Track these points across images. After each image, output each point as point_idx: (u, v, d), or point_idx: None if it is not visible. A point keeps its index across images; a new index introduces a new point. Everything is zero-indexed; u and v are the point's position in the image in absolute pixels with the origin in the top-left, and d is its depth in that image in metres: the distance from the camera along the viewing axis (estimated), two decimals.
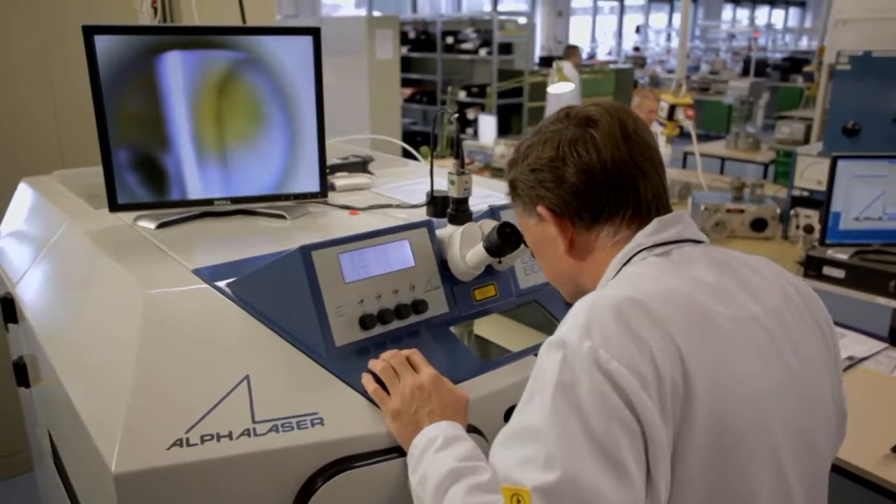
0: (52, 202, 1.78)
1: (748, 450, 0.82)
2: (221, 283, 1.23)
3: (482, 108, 8.18)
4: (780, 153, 5.97)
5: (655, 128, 4.25)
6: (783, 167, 5.72)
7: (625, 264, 0.94)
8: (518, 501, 0.76)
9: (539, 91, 7.33)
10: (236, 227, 1.56)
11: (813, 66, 7.92)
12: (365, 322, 1.15)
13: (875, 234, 2.63)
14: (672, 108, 3.48)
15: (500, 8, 15.51)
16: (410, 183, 1.92)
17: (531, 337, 1.33)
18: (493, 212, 1.38)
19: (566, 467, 0.74)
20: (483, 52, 8.91)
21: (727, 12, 22.18)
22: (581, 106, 1.00)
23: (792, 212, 3.10)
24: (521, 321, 1.41)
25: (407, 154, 2.68)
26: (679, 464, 0.79)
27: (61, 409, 1.21)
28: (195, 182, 1.53)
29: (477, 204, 1.39)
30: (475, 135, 7.08)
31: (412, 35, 9.74)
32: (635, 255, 0.94)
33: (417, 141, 8.85)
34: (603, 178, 0.94)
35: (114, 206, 1.50)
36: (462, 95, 8.66)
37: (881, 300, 2.51)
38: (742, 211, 3.12)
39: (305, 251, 1.13)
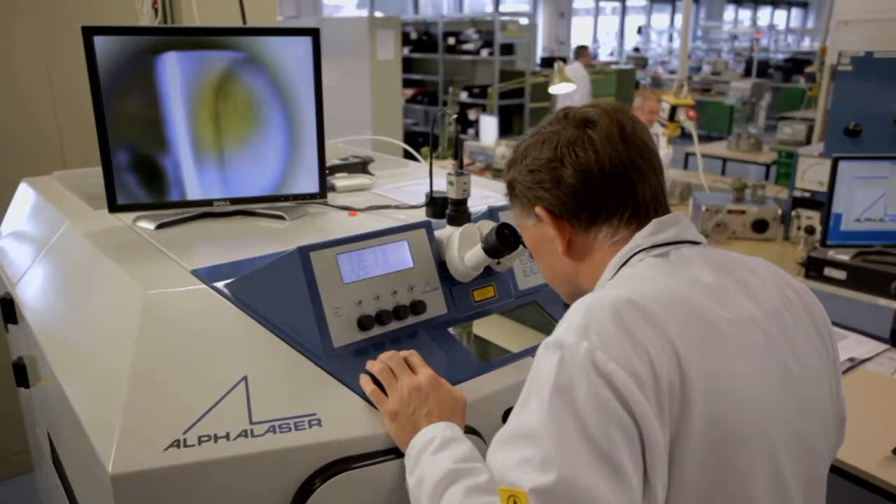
0: (52, 202, 1.78)
1: (746, 452, 0.82)
2: (220, 284, 1.22)
3: (483, 108, 8.17)
4: (781, 154, 5.96)
5: (657, 129, 4.25)
6: (785, 168, 5.71)
7: (623, 265, 0.94)
8: (515, 503, 0.75)
9: (540, 92, 7.33)
10: (235, 228, 1.56)
11: (815, 66, 7.91)
12: (363, 323, 1.15)
13: (876, 235, 2.63)
14: (673, 109, 3.48)
15: (502, 9, 15.52)
16: (410, 184, 1.92)
17: (530, 338, 1.33)
18: (491, 213, 1.38)
19: (563, 469, 0.74)
20: (484, 52, 8.91)
21: (729, 13, 22.16)
22: (579, 107, 0.99)
23: (793, 213, 3.09)
24: (519, 322, 1.41)
25: (408, 155, 2.68)
26: (676, 466, 0.79)
27: (59, 410, 1.21)
28: (194, 183, 1.53)
29: (476, 205, 1.39)
30: (476, 136, 7.07)
31: (414, 36, 9.75)
32: (633, 256, 0.94)
33: (419, 142, 8.85)
34: (601, 179, 0.94)
35: (113, 207, 1.50)
36: (463, 96, 8.66)
37: (882, 301, 2.51)
38: (743, 212, 3.12)
39: (303, 252, 1.13)
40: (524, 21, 9.58)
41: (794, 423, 0.88)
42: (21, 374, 1.59)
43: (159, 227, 1.52)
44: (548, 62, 10.33)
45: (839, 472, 1.57)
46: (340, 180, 1.87)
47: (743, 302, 0.89)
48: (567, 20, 18.12)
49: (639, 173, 0.95)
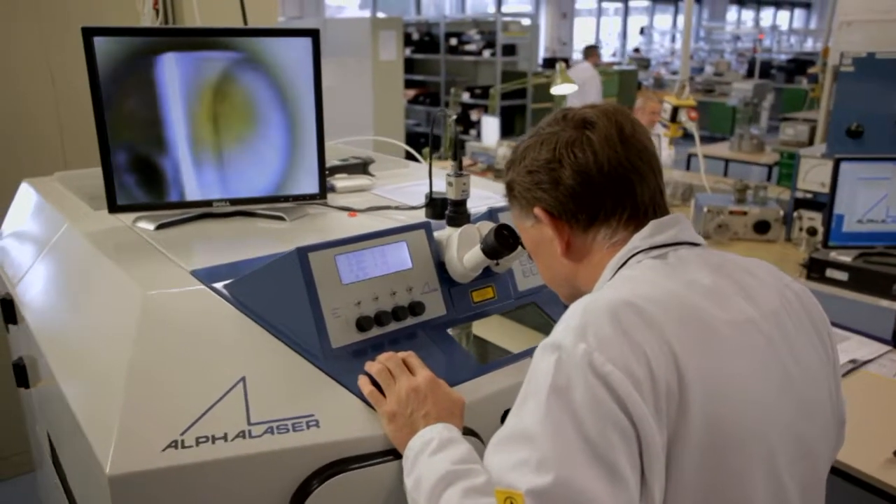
0: (53, 203, 1.79)
1: (744, 454, 0.82)
2: (219, 285, 1.23)
3: (485, 109, 8.18)
4: (784, 155, 5.95)
5: (658, 129, 4.24)
6: (787, 169, 5.70)
7: (621, 267, 0.94)
8: None
9: (543, 93, 7.33)
10: (235, 229, 1.57)
11: (817, 67, 7.90)
12: (362, 324, 1.15)
13: (878, 236, 2.62)
14: (675, 110, 3.47)
15: (504, 9, 15.52)
16: (411, 184, 1.92)
17: (529, 339, 1.33)
18: (491, 214, 1.38)
19: (560, 470, 0.74)
20: (487, 53, 8.91)
21: (732, 13, 22.13)
22: (578, 108, 0.99)
23: (795, 214, 3.08)
24: (518, 323, 1.40)
25: (409, 156, 2.68)
26: (673, 468, 0.79)
27: (58, 410, 1.21)
28: (194, 183, 1.53)
29: (476, 206, 1.39)
30: (478, 136, 7.08)
31: (416, 36, 9.75)
32: (631, 257, 0.93)
33: (421, 142, 8.85)
34: (599, 180, 0.94)
35: (113, 208, 1.50)
36: (465, 97, 8.66)
37: (884, 303, 2.50)
38: (745, 213, 3.11)
39: (302, 253, 1.13)
40: (526, 22, 9.58)
41: (793, 425, 0.88)
42: (21, 374, 1.59)
43: (159, 227, 1.52)
44: (550, 63, 10.32)
45: (840, 473, 1.57)
46: (340, 181, 1.87)
47: (741, 304, 0.89)
48: (569, 21, 18.11)
49: (637, 174, 0.95)
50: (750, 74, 12.43)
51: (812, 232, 2.96)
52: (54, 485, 1.56)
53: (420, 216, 1.58)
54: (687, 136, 3.69)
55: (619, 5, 20.26)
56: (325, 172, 1.62)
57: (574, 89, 4.70)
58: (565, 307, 0.91)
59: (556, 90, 4.64)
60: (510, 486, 0.76)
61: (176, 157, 1.49)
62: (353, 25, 7.16)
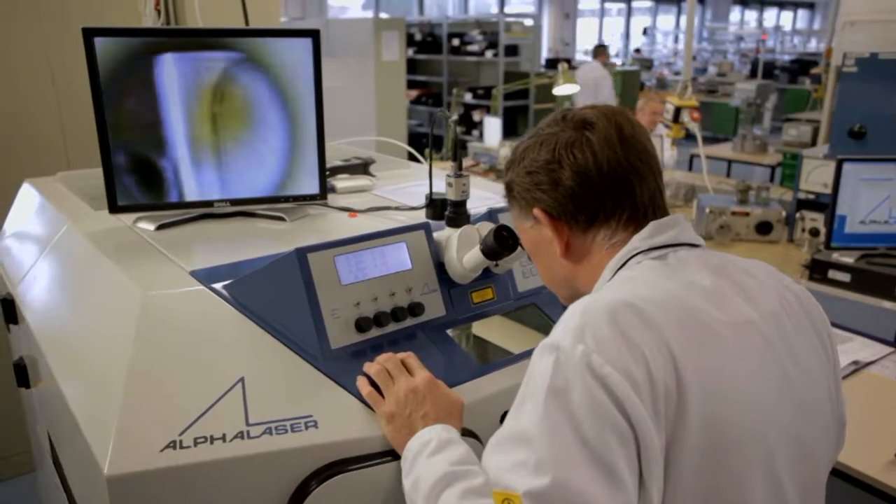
0: (54, 203, 1.79)
1: (742, 456, 0.82)
2: (218, 285, 1.22)
3: (488, 110, 8.18)
4: (786, 156, 5.93)
5: (661, 130, 4.23)
6: (790, 170, 5.69)
7: (620, 268, 0.94)
8: None
9: (545, 93, 7.32)
10: (235, 229, 1.57)
11: (820, 68, 7.88)
12: (361, 325, 1.15)
13: (881, 237, 2.61)
14: (677, 111, 3.46)
15: (507, 10, 15.52)
16: (411, 185, 1.92)
17: (529, 340, 1.33)
18: (491, 214, 1.38)
19: (557, 472, 0.74)
20: (489, 54, 8.91)
21: (735, 14, 22.10)
22: (578, 108, 0.99)
23: (798, 215, 3.07)
24: (518, 324, 1.40)
25: (412, 156, 2.68)
26: (672, 469, 0.78)
27: (58, 410, 1.21)
28: (194, 184, 1.53)
29: (476, 207, 1.39)
30: (481, 137, 7.07)
31: (418, 37, 9.75)
32: (631, 258, 0.93)
33: (423, 143, 8.85)
34: (599, 181, 0.93)
35: (114, 208, 1.51)
36: (468, 97, 8.67)
37: (887, 304, 2.49)
38: (747, 214, 3.10)
39: (301, 253, 1.12)
40: (529, 22, 9.59)
41: (792, 427, 0.87)
42: (22, 374, 1.59)
43: (159, 227, 1.52)
44: (552, 63, 10.32)
45: (842, 475, 1.56)
46: (341, 181, 1.87)
47: (741, 305, 0.89)
48: (572, 21, 18.10)
49: (637, 175, 0.94)
50: (753, 75, 12.41)
51: (814, 233, 2.95)
52: (54, 485, 1.56)
53: (420, 217, 1.58)
54: (690, 137, 3.68)
55: (622, 6, 20.24)
56: (325, 173, 1.62)
57: (576, 90, 4.70)
58: (565, 308, 0.91)
59: (559, 91, 4.64)
60: (508, 488, 0.76)
61: (176, 158, 1.50)
62: (356, 26, 7.16)
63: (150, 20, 2.40)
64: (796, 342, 0.91)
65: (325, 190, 1.63)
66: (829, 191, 2.73)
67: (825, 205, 2.85)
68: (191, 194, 1.53)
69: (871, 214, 2.59)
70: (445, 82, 9.47)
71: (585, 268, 0.99)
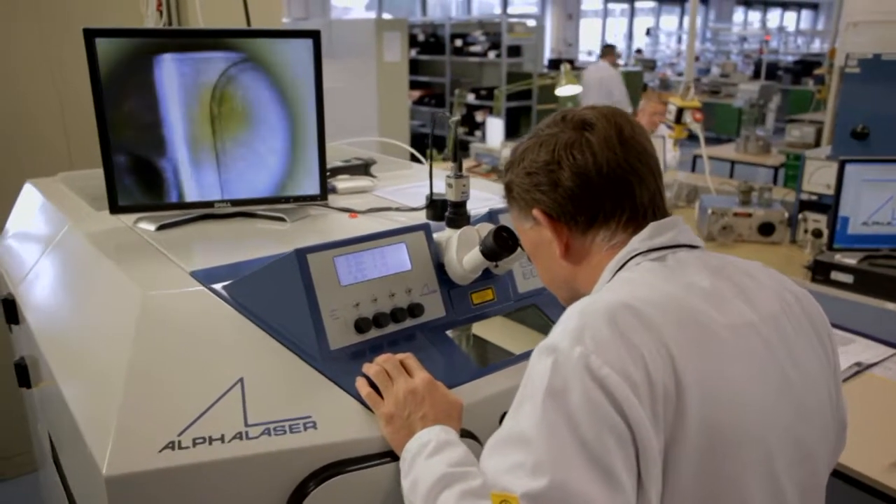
0: (55, 203, 1.79)
1: (741, 459, 0.81)
2: (218, 286, 1.22)
3: (490, 110, 8.18)
4: (790, 157, 5.92)
5: (664, 131, 4.22)
6: (793, 171, 5.67)
7: (620, 269, 0.93)
8: None
9: (548, 94, 7.31)
10: (236, 230, 1.57)
11: (823, 68, 7.86)
12: (360, 325, 1.15)
13: (884, 238, 2.60)
14: (680, 111, 3.45)
15: (510, 10, 15.52)
16: (412, 186, 1.92)
17: (529, 341, 1.32)
18: (491, 215, 1.38)
19: (555, 474, 0.73)
20: (492, 54, 8.91)
21: (739, 15, 22.07)
22: (577, 109, 0.99)
23: (800, 216, 3.06)
24: (520, 324, 1.40)
25: (414, 157, 2.68)
26: (670, 472, 0.78)
27: (58, 410, 1.21)
28: (195, 184, 1.53)
29: (477, 207, 1.39)
30: (483, 138, 7.07)
31: (421, 37, 9.76)
32: (630, 259, 0.93)
33: (425, 144, 8.83)
34: (598, 182, 0.93)
35: (114, 208, 1.51)
36: (470, 98, 8.66)
37: (890, 305, 2.48)
38: (749, 215, 3.09)
39: (301, 254, 1.12)
40: (532, 23, 9.58)
41: (791, 429, 0.87)
42: (23, 374, 1.59)
43: (160, 228, 1.53)
44: (555, 64, 10.31)
45: (844, 477, 1.55)
46: (342, 182, 1.87)
47: (740, 307, 0.88)
48: (575, 22, 18.09)
49: (637, 176, 0.94)
50: (756, 76, 12.38)
51: (817, 234, 2.94)
52: (55, 484, 1.56)
53: (421, 218, 1.58)
54: (693, 138, 3.67)
55: (625, 6, 20.22)
56: (325, 174, 1.62)
57: (578, 90, 4.68)
58: (565, 310, 0.91)
59: (561, 91, 4.63)
60: (505, 489, 0.76)
61: (176, 158, 1.50)
62: (358, 27, 7.16)
63: (152, 21, 2.40)
64: (796, 344, 0.91)
65: (325, 190, 1.63)
66: (831, 192, 2.72)
67: (828, 206, 2.84)
68: (191, 195, 1.54)
69: (874, 216, 2.58)
70: (448, 83, 9.47)
71: (585, 269, 0.99)
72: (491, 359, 1.43)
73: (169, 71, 1.44)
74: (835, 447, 0.98)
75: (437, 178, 1.53)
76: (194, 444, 0.95)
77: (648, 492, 0.77)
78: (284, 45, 1.50)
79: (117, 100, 1.43)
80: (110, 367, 1.08)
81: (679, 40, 19.95)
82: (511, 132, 7.75)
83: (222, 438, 0.97)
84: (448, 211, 1.31)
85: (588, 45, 18.25)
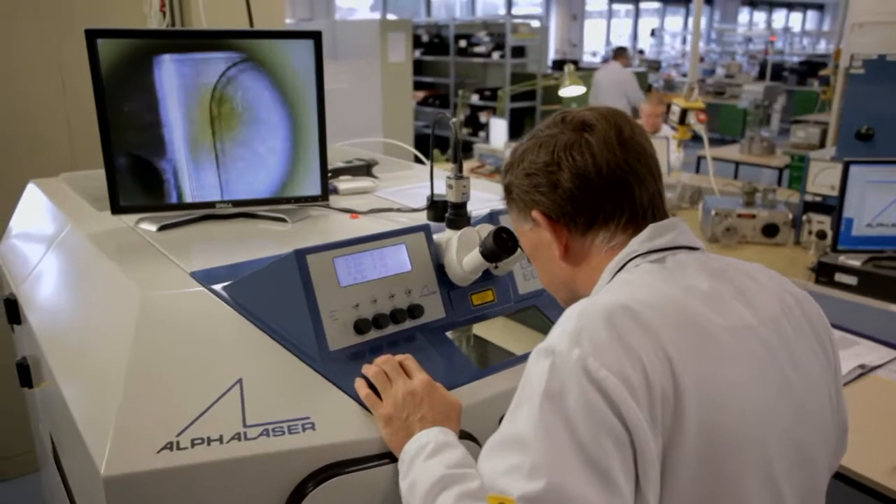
0: (57, 204, 1.80)
1: (740, 462, 0.81)
2: (218, 287, 1.23)
3: (494, 111, 8.17)
4: (794, 158, 5.90)
5: (667, 131, 4.21)
6: (797, 172, 5.66)
7: (619, 270, 0.93)
8: None
9: (552, 95, 7.31)
10: (237, 231, 1.57)
11: (829, 69, 7.83)
12: (360, 326, 1.14)
13: (888, 240, 2.59)
14: (684, 112, 3.44)
15: (514, 11, 15.51)
16: (414, 186, 1.92)
17: (529, 343, 1.32)
18: (492, 216, 1.37)
19: (552, 476, 0.73)
20: (496, 55, 8.90)
21: (744, 15, 22.01)
22: (577, 110, 0.98)
23: (804, 217, 3.05)
24: (520, 325, 1.40)
25: (417, 158, 2.68)
26: (669, 475, 0.78)
27: (58, 411, 1.21)
28: (196, 185, 1.53)
29: (478, 208, 1.38)
30: (487, 138, 7.07)
31: (425, 38, 9.75)
32: (629, 261, 0.93)
33: (429, 144, 8.83)
34: (598, 183, 0.93)
35: (116, 209, 1.51)
36: (474, 99, 8.66)
37: (894, 307, 2.47)
38: (753, 216, 3.08)
39: (300, 255, 1.12)
40: (536, 24, 9.56)
41: (791, 432, 0.86)
42: (25, 374, 1.60)
43: (161, 228, 1.53)
44: (559, 65, 10.30)
45: (846, 480, 1.54)
46: (343, 183, 1.87)
47: (739, 309, 0.88)
48: (580, 23, 18.07)
49: (636, 177, 0.94)
50: (761, 76, 12.33)
51: (821, 235, 2.93)
52: (57, 485, 1.56)
53: (422, 218, 1.58)
54: (697, 139, 3.66)
55: (630, 7, 20.19)
56: (327, 174, 1.62)
57: (582, 91, 4.67)
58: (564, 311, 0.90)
59: (565, 92, 4.62)
60: (502, 492, 0.75)
61: (177, 159, 1.50)
62: (363, 27, 7.16)
63: (155, 21, 2.41)
64: (796, 346, 0.90)
65: (326, 191, 1.63)
66: (836, 193, 2.71)
67: (832, 207, 2.82)
68: (192, 195, 1.54)
69: (878, 217, 2.57)
70: (452, 84, 9.46)
71: (584, 270, 0.98)
72: (491, 360, 1.43)
73: (169, 71, 1.44)
74: (835, 450, 0.97)
75: (439, 179, 1.53)
76: (193, 445, 0.95)
77: (646, 495, 0.76)
78: (285, 46, 1.50)
79: (119, 100, 1.43)
80: (110, 367, 1.08)
81: (684, 41, 19.89)
82: (515, 133, 7.74)
83: (221, 439, 0.97)
84: (448, 212, 1.31)
85: (592, 45, 18.23)
